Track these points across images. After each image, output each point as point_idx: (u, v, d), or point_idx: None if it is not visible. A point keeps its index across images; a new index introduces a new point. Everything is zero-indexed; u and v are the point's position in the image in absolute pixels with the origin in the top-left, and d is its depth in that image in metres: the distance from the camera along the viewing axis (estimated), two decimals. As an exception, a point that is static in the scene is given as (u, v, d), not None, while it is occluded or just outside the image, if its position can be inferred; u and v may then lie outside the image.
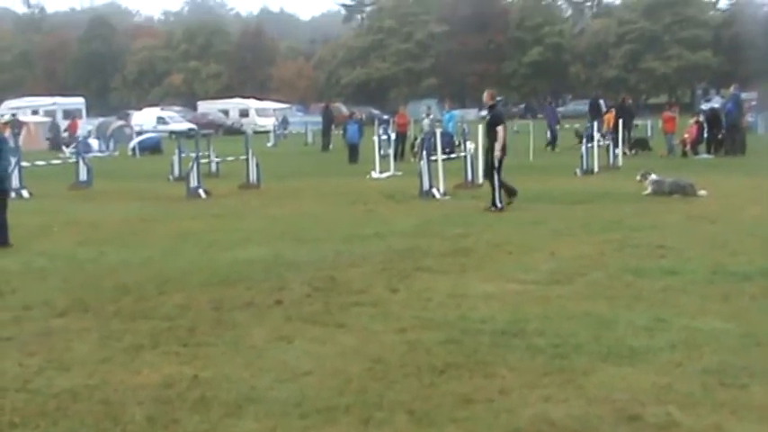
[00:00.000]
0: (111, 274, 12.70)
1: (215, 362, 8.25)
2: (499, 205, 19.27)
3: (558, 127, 43.17)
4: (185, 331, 9.31)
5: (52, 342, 9.04)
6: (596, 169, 28.61)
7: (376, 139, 32.14)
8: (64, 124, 64.46)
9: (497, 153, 19.38)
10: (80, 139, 45.08)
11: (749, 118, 40.84)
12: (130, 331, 9.37)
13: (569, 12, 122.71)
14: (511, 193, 19.87)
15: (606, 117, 37.90)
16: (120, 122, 69.64)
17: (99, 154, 48.20)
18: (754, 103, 54.92)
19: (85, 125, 68.43)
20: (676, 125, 38.02)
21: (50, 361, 8.40)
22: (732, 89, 39.43)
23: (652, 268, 12.00)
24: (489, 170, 19.75)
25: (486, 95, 21.31)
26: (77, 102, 75.27)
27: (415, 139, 36.54)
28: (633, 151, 35.73)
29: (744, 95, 43.20)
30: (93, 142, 51.75)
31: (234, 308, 10.32)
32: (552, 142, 41.63)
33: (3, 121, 22.99)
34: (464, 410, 6.72)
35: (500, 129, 19.47)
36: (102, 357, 8.48)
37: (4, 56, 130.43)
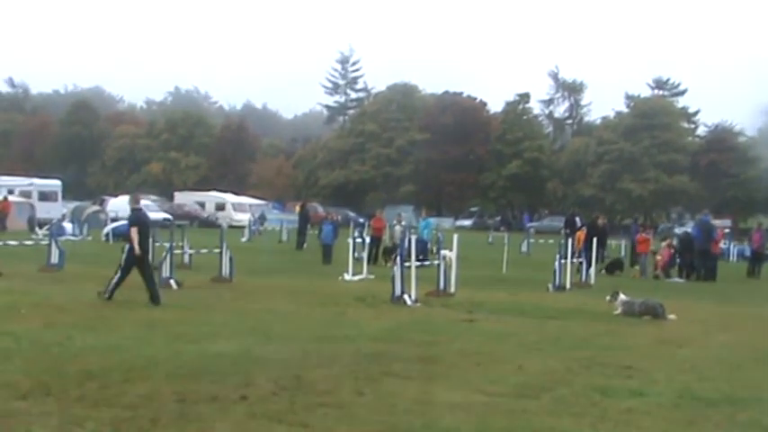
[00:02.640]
0: (76, 359, 12.61)
1: (176, 455, 8.18)
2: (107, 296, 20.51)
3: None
4: (147, 422, 9.23)
5: (11, 425, 8.96)
6: (569, 286, 28.70)
7: (351, 241, 32.20)
8: (39, 206, 64.42)
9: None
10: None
11: (722, 245, 41.15)
12: (92, 418, 9.28)
13: (550, 128, 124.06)
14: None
15: (577, 235, 38.06)
16: (96, 207, 69.65)
17: (72, 237, 48.06)
18: (727, 230, 55.46)
19: (60, 208, 68.38)
20: (650, 247, 38.32)
21: (9, 443, 8.31)
22: (701, 215, 39.87)
23: (619, 388, 11.99)
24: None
25: (131, 199, 22.97)
26: (54, 184, 75.11)
27: (393, 245, 36.57)
28: (603, 272, 35.66)
29: (718, 222, 43.63)
30: (68, 225, 51.66)
31: (198, 401, 10.24)
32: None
33: None
34: None
35: (134, 230, 21.00)
36: (62, 443, 8.39)
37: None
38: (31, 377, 11.22)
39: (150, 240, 22.73)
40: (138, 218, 21.69)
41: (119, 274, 20.82)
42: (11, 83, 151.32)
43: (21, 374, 11.38)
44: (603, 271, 35.48)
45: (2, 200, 60.43)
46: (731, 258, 48.85)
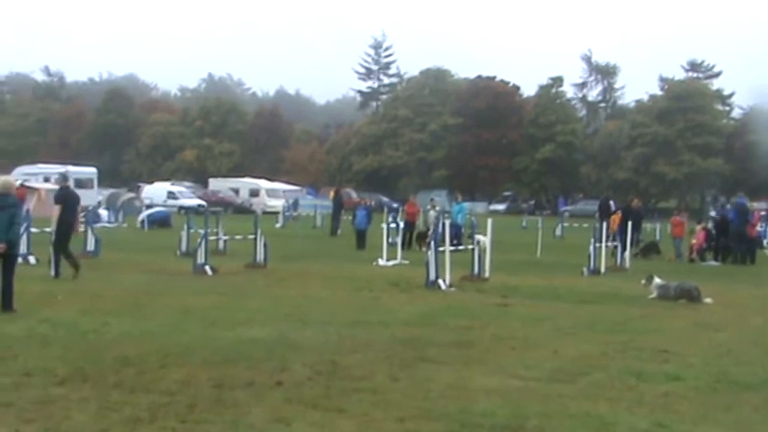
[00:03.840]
0: (112, 345, 12.70)
1: (212, 440, 8.23)
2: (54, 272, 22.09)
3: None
4: (184, 407, 9.28)
5: (51, 410, 9.03)
6: (603, 270, 28.60)
7: (384, 226, 32.20)
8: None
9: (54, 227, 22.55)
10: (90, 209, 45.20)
11: (759, 228, 40.83)
12: (129, 404, 9.35)
13: (583, 111, 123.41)
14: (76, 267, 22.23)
15: (612, 218, 37.85)
16: (131, 195, 70.10)
17: (108, 225, 48.41)
18: (763, 213, 54.95)
19: (96, 195, 68.83)
20: (685, 230, 38.10)
21: (48, 429, 8.40)
22: (737, 197, 39.56)
23: (655, 372, 11.94)
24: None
25: (60, 178, 24.68)
26: (89, 171, 75.67)
27: (426, 229, 36.53)
28: (638, 255, 35.35)
29: (755, 205, 43.23)
30: (103, 213, 51.99)
31: (234, 387, 10.29)
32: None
33: (17, 185, 23.45)
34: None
35: (57, 207, 22.63)
36: (100, 429, 8.46)
37: (21, 122, 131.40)
38: (69, 364, 11.30)
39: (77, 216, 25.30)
40: (63, 196, 23.11)
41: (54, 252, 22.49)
42: (47, 72, 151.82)
43: (58, 361, 11.47)
44: (639, 254, 35.28)
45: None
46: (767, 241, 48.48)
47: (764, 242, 41.70)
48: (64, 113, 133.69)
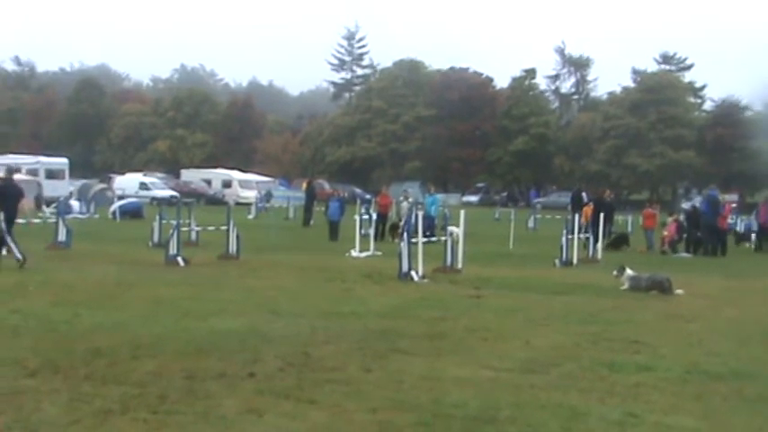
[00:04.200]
0: (84, 337, 12.64)
1: (184, 431, 8.20)
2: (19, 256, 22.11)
3: None
4: (156, 398, 9.25)
5: (21, 402, 8.98)
6: (575, 261, 28.71)
7: (357, 217, 32.21)
8: (46, 184, 64.55)
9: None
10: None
11: (729, 220, 41.01)
12: (100, 395, 9.31)
13: (556, 104, 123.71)
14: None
15: (584, 210, 37.97)
16: (103, 185, 69.81)
17: (79, 216, 48.21)
18: (734, 205, 55.23)
19: (67, 186, 68.52)
20: (656, 222, 38.29)
21: (18, 421, 8.34)
22: (708, 189, 39.78)
23: (626, 363, 11.99)
24: None
25: (5, 171, 24.85)
26: (61, 162, 75.21)
27: (399, 220, 36.58)
28: (610, 247, 35.48)
29: (726, 197, 43.41)
30: (75, 203, 51.76)
31: (206, 378, 10.27)
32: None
33: None
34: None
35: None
36: (71, 420, 8.42)
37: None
38: (40, 355, 11.25)
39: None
40: (1, 189, 23.30)
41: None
42: (17, 61, 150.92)
43: (29, 352, 11.41)
44: (609, 246, 35.36)
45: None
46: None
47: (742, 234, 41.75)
48: (35, 103, 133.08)
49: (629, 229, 46.35)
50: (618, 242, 37.12)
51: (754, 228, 41.21)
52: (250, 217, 56.06)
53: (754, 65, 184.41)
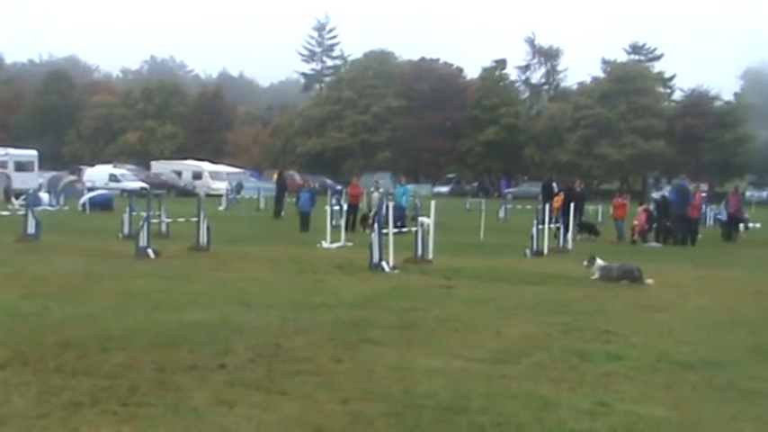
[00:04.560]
0: (53, 329, 12.57)
1: (154, 423, 8.18)
2: None
3: None
4: (126, 391, 9.22)
5: (-10, 395, 8.93)
6: (546, 251, 28.79)
7: (328, 208, 32.18)
8: (15, 176, 64.25)
9: None
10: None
11: (701, 210, 41.14)
12: (70, 388, 9.26)
13: (527, 94, 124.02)
14: None
15: (555, 200, 38.05)
16: (72, 177, 69.53)
17: (49, 208, 47.91)
18: (704, 194, 55.52)
19: (37, 178, 68.20)
20: (626, 212, 38.44)
21: (-13, 414, 8.30)
22: (678, 179, 39.95)
23: (597, 352, 12.04)
24: None
25: None
26: (30, 154, 74.78)
27: (369, 211, 36.59)
28: (579, 236, 35.60)
29: (702, 186, 43.67)
30: (44, 196, 51.50)
31: (176, 370, 10.23)
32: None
33: None
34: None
35: None
36: (40, 413, 8.37)
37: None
38: (9, 347, 11.18)
39: None
40: None
41: None
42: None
43: (-2, 345, 11.36)
44: (576, 229, 35.18)
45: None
46: (708, 223, 48.94)
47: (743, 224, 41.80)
48: (3, 95, 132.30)
49: (599, 219, 46.52)
50: (583, 228, 37.16)
51: (724, 217, 41.44)
52: (221, 208, 55.97)
53: (724, 55, 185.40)
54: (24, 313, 13.97)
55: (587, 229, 37.59)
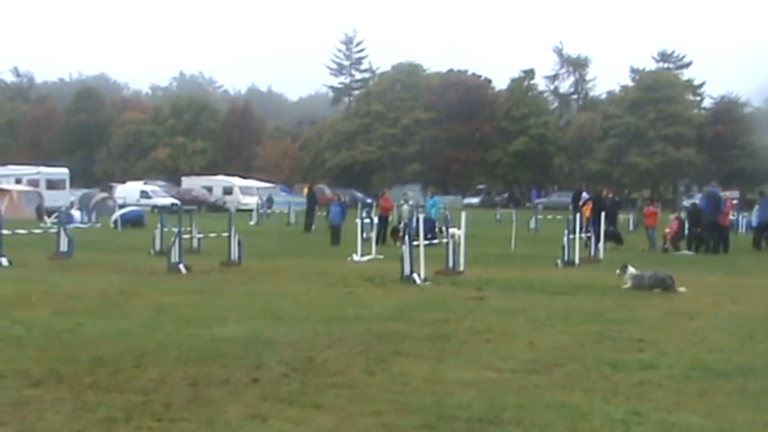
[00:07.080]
0: (87, 346, 12.63)
1: (189, 438, 8.21)
2: None
3: None
4: (160, 406, 9.24)
5: (25, 412, 8.96)
6: (578, 261, 28.69)
7: (359, 221, 32.20)
8: (47, 194, 64.70)
9: None
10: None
11: (730, 217, 40.91)
12: (105, 404, 9.30)
13: (555, 104, 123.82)
14: None
15: (583, 209, 37.90)
16: (104, 194, 69.90)
17: (81, 225, 48.22)
18: (735, 201, 55.23)
19: (68, 196, 68.62)
20: (658, 220, 38.27)
21: (22, 431, 8.33)
22: (709, 187, 39.73)
23: (630, 361, 11.97)
24: None
25: None
26: (61, 172, 75.25)
27: (399, 223, 36.59)
28: (607, 245, 35.31)
29: (728, 194, 43.37)
30: (76, 213, 51.82)
31: (210, 384, 10.26)
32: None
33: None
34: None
35: None
36: (75, 430, 8.41)
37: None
38: (43, 365, 11.23)
39: None
40: None
41: None
42: (16, 72, 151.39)
43: (32, 362, 11.40)
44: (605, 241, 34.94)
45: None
46: (740, 230, 48.65)
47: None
48: (34, 114, 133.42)
49: (630, 228, 46.32)
50: (608, 237, 36.83)
51: (754, 223, 41.09)
52: (252, 223, 56.10)
53: (754, 62, 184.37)
54: (58, 330, 14.04)
55: (612, 237, 37.35)
